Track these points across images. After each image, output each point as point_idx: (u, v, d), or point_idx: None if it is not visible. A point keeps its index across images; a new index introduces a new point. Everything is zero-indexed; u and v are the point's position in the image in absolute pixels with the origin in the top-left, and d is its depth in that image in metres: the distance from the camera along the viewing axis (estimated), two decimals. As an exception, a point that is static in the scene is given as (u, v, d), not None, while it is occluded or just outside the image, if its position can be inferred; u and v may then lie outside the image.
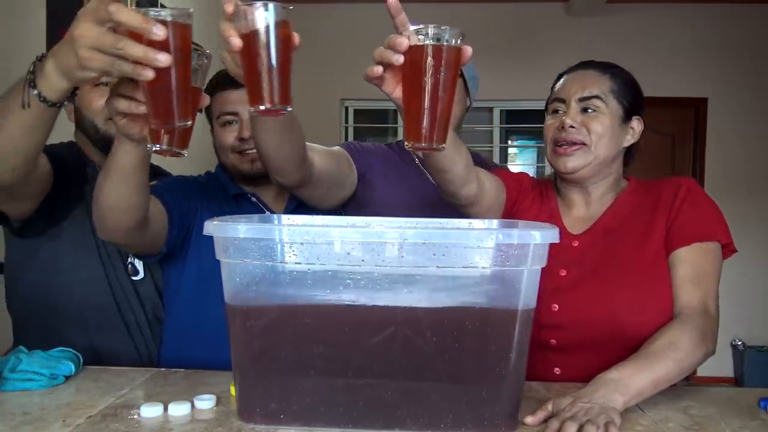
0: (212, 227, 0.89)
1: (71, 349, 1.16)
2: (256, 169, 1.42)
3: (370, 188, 1.53)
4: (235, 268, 0.89)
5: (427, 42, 0.84)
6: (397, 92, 0.93)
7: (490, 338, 0.88)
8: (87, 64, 0.82)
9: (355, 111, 5.39)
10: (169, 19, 0.80)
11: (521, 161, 5.97)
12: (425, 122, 0.85)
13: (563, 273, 1.23)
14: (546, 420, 0.93)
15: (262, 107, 0.84)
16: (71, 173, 1.38)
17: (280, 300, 0.89)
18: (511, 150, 5.94)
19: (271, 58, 0.82)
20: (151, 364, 1.40)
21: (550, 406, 0.95)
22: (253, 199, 1.47)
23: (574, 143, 1.23)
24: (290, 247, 0.86)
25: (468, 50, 0.87)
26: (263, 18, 0.82)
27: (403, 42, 0.85)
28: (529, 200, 1.35)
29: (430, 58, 0.84)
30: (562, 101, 1.26)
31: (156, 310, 1.46)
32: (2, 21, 2.18)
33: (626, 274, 1.19)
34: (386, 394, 0.88)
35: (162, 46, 0.79)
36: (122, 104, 0.92)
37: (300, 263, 0.87)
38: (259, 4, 0.81)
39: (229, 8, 0.84)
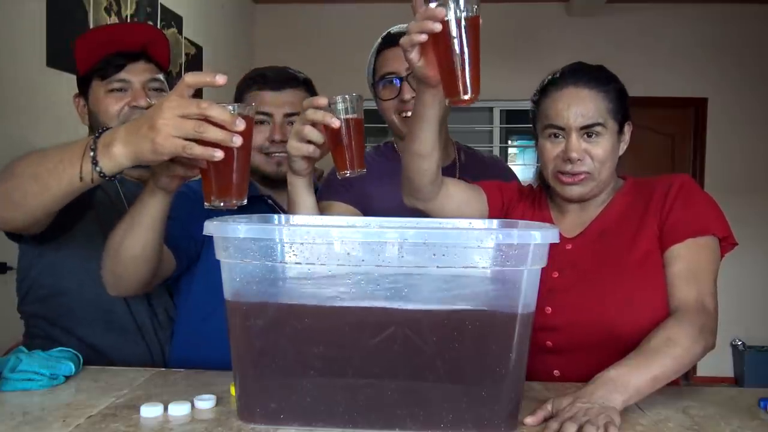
0: (212, 227, 0.89)
1: (71, 349, 1.15)
2: (282, 173, 1.39)
3: (368, 199, 1.50)
4: (235, 268, 0.89)
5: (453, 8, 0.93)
6: (422, 62, 1.00)
7: (490, 338, 0.88)
8: (161, 149, 0.92)
9: (355, 111, 5.38)
10: (246, 113, 0.95)
11: (521, 161, 5.97)
12: (465, 76, 0.94)
13: (556, 275, 1.22)
14: (546, 420, 0.93)
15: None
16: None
17: (280, 300, 0.89)
18: (511, 150, 5.94)
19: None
20: (162, 365, 1.39)
21: (549, 406, 0.95)
22: (270, 201, 1.46)
23: (577, 172, 1.20)
24: (290, 247, 0.86)
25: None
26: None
27: (441, 12, 0.92)
28: (519, 211, 1.34)
29: (463, 22, 0.92)
30: (561, 128, 1.21)
31: (168, 310, 1.46)
32: (2, 16, 2.19)
33: (618, 275, 1.19)
34: (386, 394, 0.88)
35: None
36: (180, 170, 1.04)
37: (300, 263, 0.87)
38: None
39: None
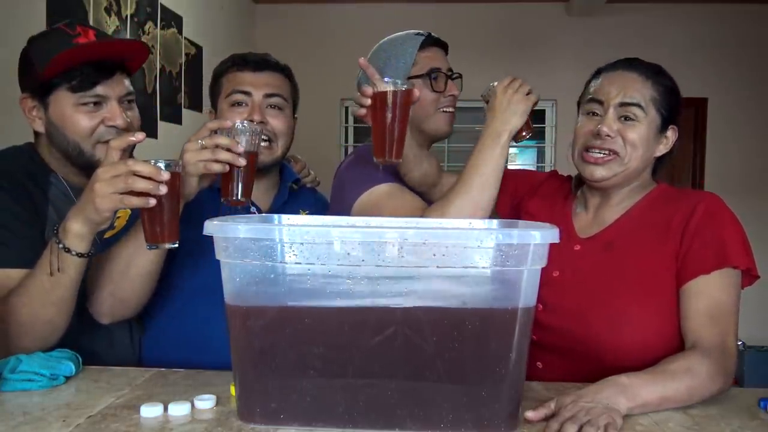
0: (212, 227, 0.89)
1: (70, 350, 1.15)
2: (261, 162, 1.35)
3: None
4: (235, 268, 0.89)
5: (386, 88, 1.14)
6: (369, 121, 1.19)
7: (490, 338, 0.88)
8: (102, 207, 1.07)
9: (355, 111, 5.39)
10: (172, 169, 1.08)
11: (521, 161, 5.97)
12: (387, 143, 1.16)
13: (556, 274, 1.21)
14: (547, 418, 0.93)
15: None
16: (30, 188, 1.28)
17: (280, 300, 0.89)
18: (510, 150, 5.94)
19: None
20: (135, 365, 1.37)
21: (552, 404, 0.94)
22: None
23: (608, 152, 1.19)
24: (290, 247, 0.86)
25: (416, 92, 1.17)
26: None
27: (368, 90, 1.15)
28: (535, 202, 1.34)
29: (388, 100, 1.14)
30: (600, 103, 1.20)
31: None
32: (2, 15, 2.19)
33: (615, 290, 1.16)
34: (386, 394, 0.88)
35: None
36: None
37: (300, 263, 0.87)
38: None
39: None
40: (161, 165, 1.07)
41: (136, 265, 1.22)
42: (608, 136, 1.18)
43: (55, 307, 1.14)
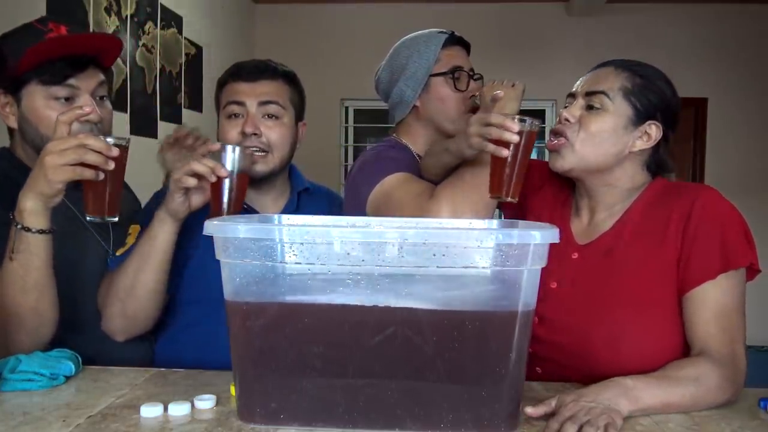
0: (212, 227, 0.89)
1: (69, 350, 1.15)
2: (256, 172, 1.36)
3: None
4: (235, 268, 0.89)
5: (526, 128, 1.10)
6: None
7: (490, 338, 0.88)
8: (54, 178, 1.08)
9: (355, 111, 5.40)
10: (120, 143, 1.12)
11: (521, 161, 5.97)
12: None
13: (554, 285, 1.18)
14: (547, 415, 0.93)
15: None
16: (10, 191, 1.21)
17: (279, 300, 0.89)
18: (511, 150, 5.94)
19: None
20: (149, 365, 1.38)
21: (553, 402, 0.94)
22: (245, 205, 1.40)
23: (560, 135, 1.17)
24: (290, 247, 0.86)
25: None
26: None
27: (515, 126, 1.09)
28: (538, 200, 1.31)
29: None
30: (573, 96, 1.20)
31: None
32: (2, 16, 2.18)
33: (616, 305, 1.13)
34: (386, 394, 0.88)
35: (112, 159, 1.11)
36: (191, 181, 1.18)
37: (300, 263, 0.87)
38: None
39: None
40: (111, 141, 1.10)
41: (141, 282, 1.24)
42: (567, 120, 1.17)
43: (36, 292, 1.15)
